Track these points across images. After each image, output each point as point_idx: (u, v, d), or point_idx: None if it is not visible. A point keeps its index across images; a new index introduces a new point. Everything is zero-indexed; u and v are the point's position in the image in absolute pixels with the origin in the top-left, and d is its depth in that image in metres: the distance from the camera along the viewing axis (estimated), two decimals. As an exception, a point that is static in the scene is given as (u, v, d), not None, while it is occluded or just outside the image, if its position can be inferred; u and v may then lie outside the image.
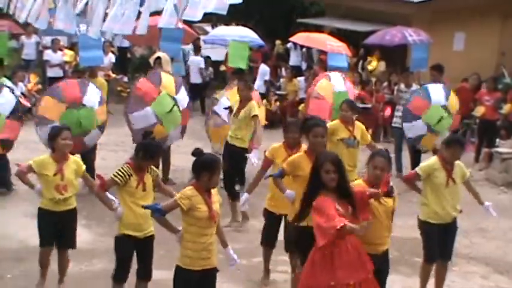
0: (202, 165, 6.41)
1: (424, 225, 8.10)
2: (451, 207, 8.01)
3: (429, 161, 8.18)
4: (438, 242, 8.05)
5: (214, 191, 6.53)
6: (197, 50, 20.54)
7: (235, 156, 10.63)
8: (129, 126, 12.17)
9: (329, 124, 9.67)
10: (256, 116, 10.50)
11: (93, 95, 11.61)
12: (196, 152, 6.50)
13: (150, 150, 7.20)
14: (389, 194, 6.59)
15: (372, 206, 6.58)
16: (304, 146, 8.09)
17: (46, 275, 8.07)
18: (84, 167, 7.99)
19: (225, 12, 9.41)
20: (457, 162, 8.08)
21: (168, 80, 12.18)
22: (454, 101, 13.10)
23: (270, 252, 8.64)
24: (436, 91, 13.00)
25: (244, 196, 8.57)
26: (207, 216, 6.37)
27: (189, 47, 20.39)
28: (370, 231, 6.30)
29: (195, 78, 19.93)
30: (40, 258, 8.00)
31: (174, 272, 6.52)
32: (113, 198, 7.28)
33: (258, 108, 10.94)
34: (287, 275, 8.72)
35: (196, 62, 20.20)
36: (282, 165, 7.73)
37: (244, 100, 10.59)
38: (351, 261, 6.15)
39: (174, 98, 11.92)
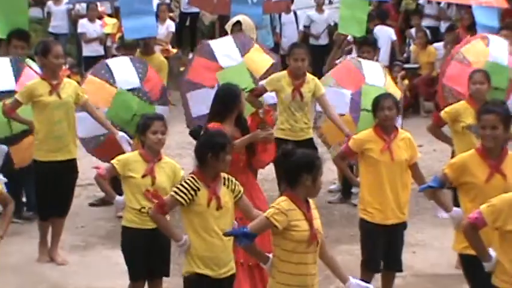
0: (301, 165, 5.49)
1: None
2: None
3: None
4: None
5: (312, 202, 5.64)
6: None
7: None
8: (185, 108, 10.68)
9: (452, 106, 8.95)
10: None
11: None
12: (287, 151, 5.61)
13: (214, 142, 6.09)
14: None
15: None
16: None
17: None
18: (182, 172, 7.32)
19: None
20: None
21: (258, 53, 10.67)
22: None
23: (372, 276, 7.85)
24: None
25: None
26: (307, 237, 5.45)
27: None
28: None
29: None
30: None
31: None
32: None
33: None
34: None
35: None
36: (445, 170, 6.51)
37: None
38: None
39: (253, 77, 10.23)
